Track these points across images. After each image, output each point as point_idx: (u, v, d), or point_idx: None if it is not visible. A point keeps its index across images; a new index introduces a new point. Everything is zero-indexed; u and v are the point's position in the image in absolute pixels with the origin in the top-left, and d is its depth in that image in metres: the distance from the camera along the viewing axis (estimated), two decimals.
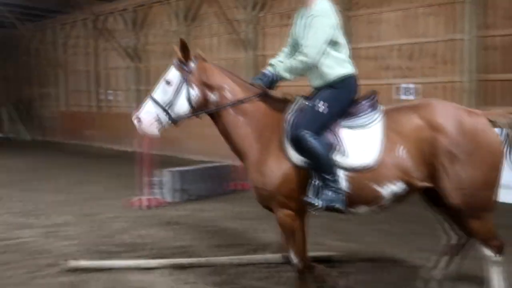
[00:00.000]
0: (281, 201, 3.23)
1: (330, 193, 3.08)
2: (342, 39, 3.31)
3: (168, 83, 3.30)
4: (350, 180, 3.14)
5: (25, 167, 11.23)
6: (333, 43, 3.24)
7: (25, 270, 4.34)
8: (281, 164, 3.18)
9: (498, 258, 3.19)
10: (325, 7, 3.21)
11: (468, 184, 3.04)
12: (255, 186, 3.32)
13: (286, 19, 10.42)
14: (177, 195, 7.29)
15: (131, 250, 4.93)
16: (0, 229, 5.72)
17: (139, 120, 3.27)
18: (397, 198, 3.20)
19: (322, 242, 4.96)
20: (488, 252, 3.19)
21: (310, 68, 3.24)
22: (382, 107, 3.30)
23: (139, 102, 14.38)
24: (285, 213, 3.26)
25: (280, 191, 3.19)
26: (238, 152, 3.40)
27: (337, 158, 3.12)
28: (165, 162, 8.34)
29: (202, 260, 4.42)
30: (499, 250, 3.18)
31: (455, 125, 3.08)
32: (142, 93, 14.46)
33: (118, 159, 12.51)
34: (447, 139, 3.05)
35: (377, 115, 3.22)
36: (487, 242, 3.17)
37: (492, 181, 3.11)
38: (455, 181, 3.04)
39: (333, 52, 3.25)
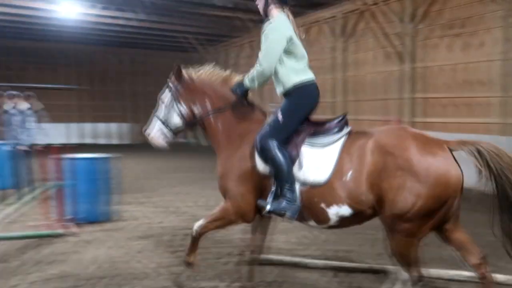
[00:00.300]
0: (234, 195, 3.37)
1: (284, 202, 3.13)
2: (299, 50, 3.34)
3: (162, 102, 3.68)
4: (303, 193, 3.16)
5: (204, 167, 12.54)
6: (289, 54, 3.29)
7: (211, 256, 4.83)
8: (241, 166, 3.34)
9: (412, 277, 3.08)
10: (279, 22, 3.27)
11: (407, 210, 2.87)
12: (218, 177, 3.53)
13: (447, 30, 9.62)
14: None
15: (297, 249, 5.09)
16: (192, 219, 6.47)
17: (149, 135, 3.68)
18: (346, 220, 3.14)
19: (494, 263, 4.40)
20: (405, 275, 3.10)
21: (265, 77, 3.31)
22: (348, 129, 3.24)
23: None
24: (230, 206, 3.41)
25: (234, 188, 3.36)
26: (216, 151, 3.66)
27: (294, 170, 3.15)
28: None
29: (365, 266, 4.33)
30: (414, 279, 3.07)
31: (406, 152, 2.90)
32: None
33: None
34: (396, 164, 2.90)
35: (339, 136, 3.19)
36: (405, 267, 3.08)
37: (431, 212, 2.89)
38: (397, 207, 2.89)
39: (289, 62, 3.30)
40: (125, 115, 21.63)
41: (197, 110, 3.63)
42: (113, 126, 21.55)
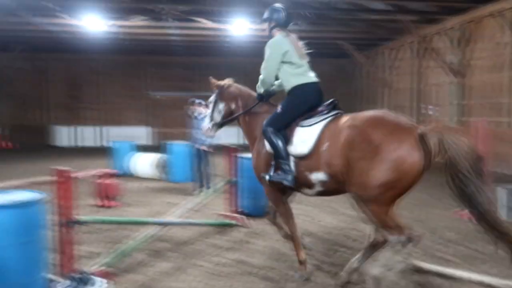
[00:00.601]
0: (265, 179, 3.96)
1: (281, 172, 3.80)
2: (297, 60, 3.97)
3: (210, 103, 4.60)
4: (296, 165, 3.76)
5: None
6: (287, 63, 3.96)
7: (350, 252, 4.60)
8: (262, 150, 4.03)
9: (397, 239, 3.26)
10: (275, 41, 3.99)
11: (367, 179, 3.23)
12: (253, 166, 4.18)
13: None
14: None
15: (468, 262, 4.50)
16: (350, 221, 6.34)
17: (203, 128, 4.60)
18: (327, 185, 3.61)
19: None
20: (388, 235, 3.32)
21: (267, 83, 4.13)
22: (336, 112, 3.77)
23: (460, 116, 13.27)
24: (268, 188, 4.04)
25: (261, 169, 4.03)
26: (249, 143, 4.34)
27: (287, 147, 3.79)
28: (500, 178, 7.27)
29: None
30: (399, 233, 3.26)
31: (371, 129, 3.29)
32: (464, 108, 13.26)
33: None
34: (361, 138, 3.30)
35: (324, 117, 3.73)
36: (385, 228, 3.33)
37: (390, 183, 3.19)
38: (357, 174, 3.29)
39: (288, 69, 3.96)
40: None
41: (233, 107, 4.45)
42: None
